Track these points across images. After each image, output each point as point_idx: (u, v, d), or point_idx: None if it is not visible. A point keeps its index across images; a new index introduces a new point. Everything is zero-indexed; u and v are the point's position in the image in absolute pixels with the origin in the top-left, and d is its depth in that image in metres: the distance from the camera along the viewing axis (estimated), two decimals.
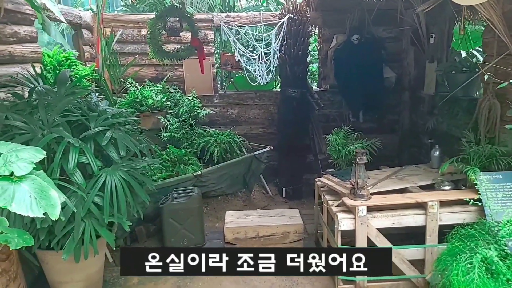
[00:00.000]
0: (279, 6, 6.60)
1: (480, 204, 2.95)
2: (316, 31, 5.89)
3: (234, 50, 5.25)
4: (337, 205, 3.30)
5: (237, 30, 5.11)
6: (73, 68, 4.05)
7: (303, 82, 5.18)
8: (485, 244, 2.56)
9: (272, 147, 5.19)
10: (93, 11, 5.27)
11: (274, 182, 5.56)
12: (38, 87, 2.96)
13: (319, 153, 5.24)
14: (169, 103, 5.17)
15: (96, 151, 2.90)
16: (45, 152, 1.86)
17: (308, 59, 5.37)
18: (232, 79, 5.97)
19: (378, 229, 3.09)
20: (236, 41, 5.04)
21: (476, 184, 3.01)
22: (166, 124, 4.97)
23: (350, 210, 3.14)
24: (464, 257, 2.48)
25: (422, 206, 3.10)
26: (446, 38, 4.78)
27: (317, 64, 6.22)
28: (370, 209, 3.10)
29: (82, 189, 2.68)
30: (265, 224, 3.87)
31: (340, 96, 5.61)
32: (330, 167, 4.24)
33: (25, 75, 3.23)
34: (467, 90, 4.20)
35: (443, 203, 3.07)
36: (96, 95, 4.10)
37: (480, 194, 2.96)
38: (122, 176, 2.82)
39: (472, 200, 2.95)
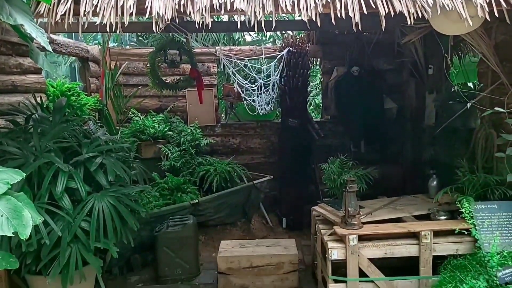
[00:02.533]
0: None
1: (474, 234, 2.87)
2: (318, 63, 6.00)
3: (233, 81, 5.38)
4: (329, 234, 3.25)
5: (236, 62, 5.25)
6: (75, 98, 4.21)
7: (303, 112, 5.23)
8: (476, 275, 2.47)
9: (272, 176, 5.17)
10: (100, 45, 5.52)
11: (275, 212, 5.51)
12: (35, 115, 3.07)
13: (320, 183, 5.21)
14: (171, 132, 5.27)
15: (87, 177, 2.96)
16: (24, 174, 1.91)
17: (309, 90, 5.44)
18: (234, 110, 6.07)
19: (370, 259, 3.02)
20: (235, 73, 5.16)
21: (469, 214, 2.94)
22: (166, 153, 5.04)
23: (341, 239, 3.08)
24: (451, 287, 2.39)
25: (415, 236, 3.03)
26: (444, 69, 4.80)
27: (321, 96, 6.29)
28: (362, 238, 3.04)
29: (69, 214, 2.72)
30: (259, 254, 3.79)
31: (341, 126, 5.63)
32: (330, 196, 4.21)
33: (26, 104, 3.37)
34: (466, 120, 4.17)
35: (437, 233, 3.00)
36: (97, 124, 4.24)
37: (473, 224, 2.88)
38: (110, 201, 2.86)
39: (463, 230, 2.87)
